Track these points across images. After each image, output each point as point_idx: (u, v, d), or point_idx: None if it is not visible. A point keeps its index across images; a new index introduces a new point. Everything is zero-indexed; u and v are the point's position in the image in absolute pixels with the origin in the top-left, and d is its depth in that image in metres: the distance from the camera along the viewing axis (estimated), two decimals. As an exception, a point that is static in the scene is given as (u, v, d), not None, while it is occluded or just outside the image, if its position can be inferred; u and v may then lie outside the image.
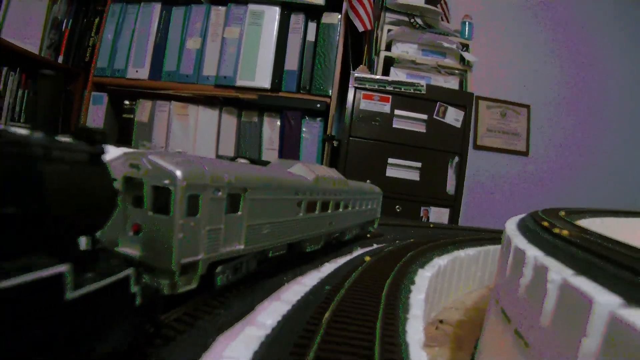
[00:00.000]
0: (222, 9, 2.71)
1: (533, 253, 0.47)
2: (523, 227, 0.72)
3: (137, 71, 2.70)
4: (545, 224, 0.72)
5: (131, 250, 0.50)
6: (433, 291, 0.85)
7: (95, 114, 2.73)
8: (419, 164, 2.51)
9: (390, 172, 2.49)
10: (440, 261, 0.94)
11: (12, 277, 0.25)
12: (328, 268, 0.83)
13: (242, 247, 0.58)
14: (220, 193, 0.52)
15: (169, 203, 0.46)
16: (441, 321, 1.02)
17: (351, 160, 2.46)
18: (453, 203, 2.59)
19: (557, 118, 3.67)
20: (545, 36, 3.72)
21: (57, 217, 0.33)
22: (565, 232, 0.56)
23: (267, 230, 0.65)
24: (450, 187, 2.58)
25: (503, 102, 3.51)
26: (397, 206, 2.46)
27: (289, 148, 2.60)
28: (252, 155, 2.60)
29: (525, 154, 3.56)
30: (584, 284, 0.35)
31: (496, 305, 0.63)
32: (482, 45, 3.19)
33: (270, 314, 0.54)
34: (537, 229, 0.68)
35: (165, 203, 0.46)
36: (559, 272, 0.39)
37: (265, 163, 0.86)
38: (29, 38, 2.81)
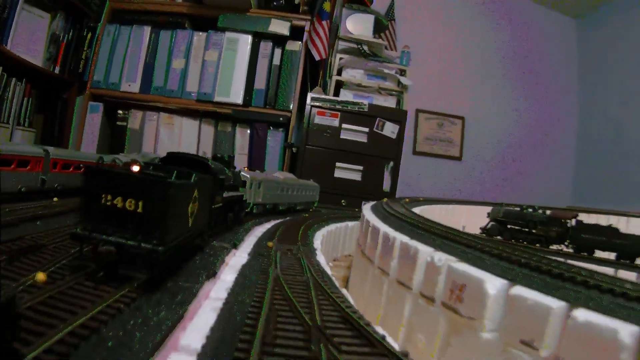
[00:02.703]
0: (203, 34, 3.73)
1: (377, 222, 1.58)
2: (377, 206, 1.86)
3: (129, 85, 3.70)
4: (385, 203, 1.89)
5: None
6: (339, 230, 1.99)
7: (93, 122, 3.72)
8: (360, 167, 3.65)
9: (338, 174, 3.61)
10: (349, 222, 2.07)
11: (233, 193, 1.38)
12: (290, 217, 1.96)
13: (260, 200, 1.68)
14: (257, 182, 1.62)
15: (245, 185, 1.56)
16: (350, 255, 2.17)
17: (307, 164, 3.57)
18: (388, 199, 3.74)
19: (488, 128, 4.93)
20: (481, 58, 4.97)
21: (236, 184, 1.45)
22: (392, 211, 1.71)
23: (268, 196, 1.77)
24: (386, 186, 3.73)
25: (440, 114, 4.73)
26: (343, 200, 3.60)
27: (257, 153, 3.69)
28: (227, 158, 3.68)
29: (458, 158, 4.80)
30: (395, 234, 1.42)
31: (357, 244, 1.73)
32: (425, 66, 4.39)
33: (270, 224, 1.66)
34: (383, 208, 1.82)
35: (244, 184, 1.55)
36: (392, 235, 1.48)
37: (262, 170, 1.99)
38: (34, 51, 3.76)
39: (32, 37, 3.69)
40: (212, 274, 0.81)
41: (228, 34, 3.69)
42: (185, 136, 3.68)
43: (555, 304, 0.67)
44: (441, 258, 0.84)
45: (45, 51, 3.82)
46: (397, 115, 3.75)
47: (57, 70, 3.90)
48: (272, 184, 1.82)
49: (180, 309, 0.63)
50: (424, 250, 0.89)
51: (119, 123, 3.73)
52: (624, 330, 0.60)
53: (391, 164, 3.72)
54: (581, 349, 0.63)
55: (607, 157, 5.05)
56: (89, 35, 4.01)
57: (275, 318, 0.61)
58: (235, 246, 1.10)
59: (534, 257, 0.89)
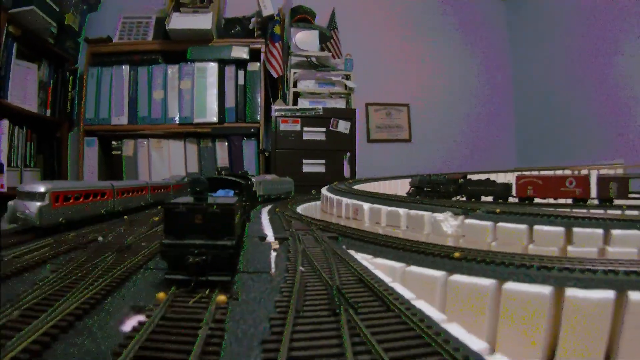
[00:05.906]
0: (175, 67, 5.07)
1: (327, 193, 3.16)
2: (329, 187, 3.45)
3: (118, 118, 5.09)
4: (334, 184, 3.50)
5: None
6: (311, 206, 3.55)
7: (90, 154, 5.12)
8: (323, 161, 5.10)
9: (305, 169, 5.09)
10: (317, 202, 3.63)
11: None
12: (279, 202, 3.50)
13: (262, 192, 3.20)
14: (259, 182, 3.15)
15: (254, 184, 3.08)
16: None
17: (279, 165, 5.05)
18: (338, 182, 5.30)
19: (431, 111, 6.55)
20: (419, 46, 6.59)
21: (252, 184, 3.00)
22: (336, 188, 3.30)
23: (265, 190, 3.29)
24: (347, 173, 5.25)
25: (387, 104, 6.32)
26: (313, 190, 5.12)
27: (236, 162, 5.18)
28: (209, 169, 5.17)
29: (408, 140, 6.40)
30: (333, 195, 3.02)
31: (320, 208, 3.32)
32: (370, 63, 5.96)
33: (269, 206, 3.20)
34: (332, 187, 3.41)
35: (253, 184, 3.08)
36: (333, 197, 3.06)
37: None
38: (29, 100, 5.13)
39: (25, 87, 5.01)
40: (258, 219, 2.36)
41: (197, 64, 5.10)
42: (173, 156, 5.13)
43: (384, 208, 2.23)
44: (350, 200, 2.41)
45: (37, 97, 5.18)
46: (348, 114, 5.26)
47: (48, 113, 5.21)
48: (266, 182, 3.31)
49: (257, 223, 2.17)
50: (343, 199, 2.46)
51: (114, 152, 5.12)
52: (406, 211, 2.17)
53: (348, 154, 5.25)
54: (392, 221, 2.20)
55: (541, 121, 6.73)
56: (71, 77, 5.40)
57: (293, 220, 2.16)
58: (260, 213, 2.64)
59: (395, 197, 2.48)
